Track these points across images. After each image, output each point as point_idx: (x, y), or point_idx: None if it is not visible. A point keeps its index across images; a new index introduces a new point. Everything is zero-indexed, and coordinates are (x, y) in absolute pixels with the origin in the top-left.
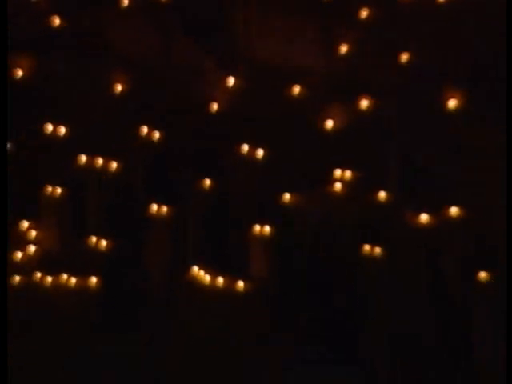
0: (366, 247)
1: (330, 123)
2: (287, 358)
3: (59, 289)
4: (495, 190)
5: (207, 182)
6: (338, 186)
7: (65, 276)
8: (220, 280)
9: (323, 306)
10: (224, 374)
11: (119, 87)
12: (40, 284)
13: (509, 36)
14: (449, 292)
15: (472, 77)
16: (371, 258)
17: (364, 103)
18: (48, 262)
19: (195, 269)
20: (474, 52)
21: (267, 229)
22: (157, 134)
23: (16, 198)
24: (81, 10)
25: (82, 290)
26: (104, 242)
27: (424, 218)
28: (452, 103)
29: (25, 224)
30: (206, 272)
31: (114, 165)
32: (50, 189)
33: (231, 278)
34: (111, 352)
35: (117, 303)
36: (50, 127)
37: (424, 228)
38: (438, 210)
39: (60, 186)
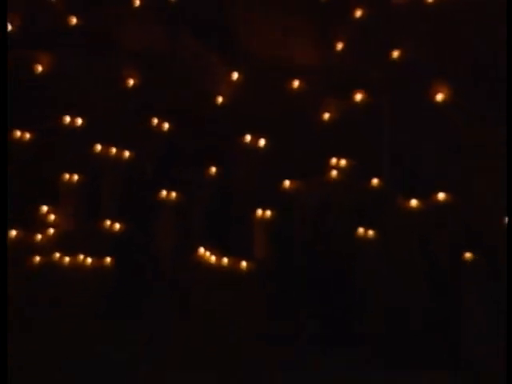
0: (360, 230)
1: (326, 116)
2: (288, 329)
3: (76, 268)
4: (479, 178)
5: (213, 170)
6: (333, 173)
7: (81, 256)
8: (225, 260)
9: (320, 284)
10: (229, 345)
11: (131, 82)
12: (58, 263)
13: (509, 36)
14: (438, 270)
15: (462, 72)
16: (365, 240)
17: (358, 97)
18: (65, 243)
19: (201, 250)
20: (465, 49)
21: (268, 213)
22: (166, 126)
23: (36, 184)
24: (94, 10)
25: (97, 269)
26: (117, 225)
27: (414, 203)
28: (440, 97)
29: (44, 208)
30: (211, 253)
31: (126, 154)
32: (67, 176)
33: (235, 259)
34: (124, 326)
35: (129, 281)
36: (67, 119)
37: (414, 212)
38: (426, 196)
39: (77, 173)
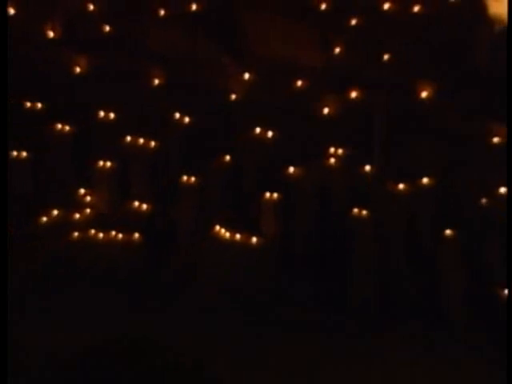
0: (355, 210)
1: (325, 110)
2: (289, 291)
3: (108, 242)
4: (458, 165)
5: (227, 157)
6: (332, 160)
7: (113, 232)
8: (237, 236)
9: (319, 255)
10: (240, 304)
11: (156, 81)
12: (93, 239)
13: (509, 36)
14: (421, 243)
15: (445, 72)
16: (359, 219)
17: (353, 94)
18: (100, 221)
19: (217, 227)
20: (446, 52)
21: (275, 195)
22: (186, 119)
23: (74, 170)
24: (124, 20)
25: (127, 243)
26: (144, 206)
27: (401, 186)
28: (425, 94)
29: (81, 191)
30: (226, 230)
31: (152, 144)
32: (101, 163)
33: (246, 235)
34: (150, 289)
35: (154, 254)
36: (101, 113)
37: (401, 194)
38: (412, 181)
39: (109, 160)
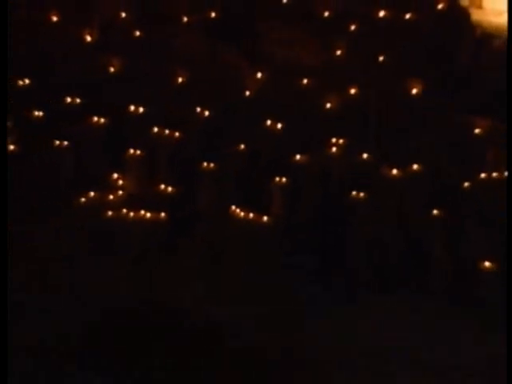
0: (354, 192)
1: (328, 105)
2: (295, 264)
3: (138, 220)
4: (445, 153)
5: (241, 146)
6: (333, 149)
7: (142, 212)
8: (250, 215)
9: (322, 233)
10: (254, 275)
11: (180, 79)
12: (125, 217)
13: (509, 37)
14: (410, 223)
15: (432, 72)
16: (357, 200)
17: (352, 91)
18: (130, 201)
19: (233, 208)
20: (434, 54)
21: (284, 179)
22: (206, 113)
23: (108, 157)
24: (153, 24)
25: (154, 221)
26: (169, 188)
27: (394, 172)
28: (414, 91)
29: (115, 175)
30: (240, 210)
31: (176, 134)
32: (132, 151)
33: (258, 215)
34: (177, 261)
35: (178, 230)
36: (132, 107)
37: (395, 179)
38: (404, 167)
39: (139, 148)
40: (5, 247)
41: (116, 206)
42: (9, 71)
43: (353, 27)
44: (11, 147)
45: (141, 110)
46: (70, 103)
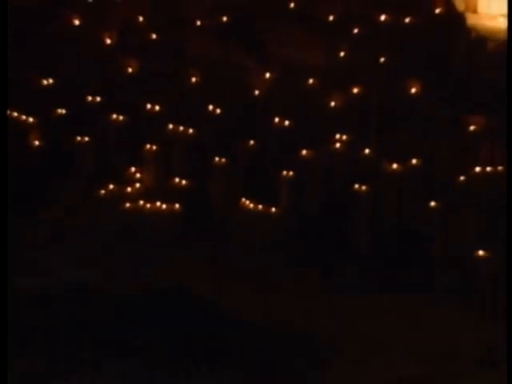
0: (356, 185)
1: (332, 103)
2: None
3: (154, 211)
4: (442, 149)
5: (251, 142)
6: (337, 145)
7: (158, 203)
8: (259, 207)
9: (326, 224)
10: (262, 259)
11: (193, 79)
12: (142, 208)
13: (509, 37)
14: (409, 214)
15: (430, 72)
16: (359, 192)
17: (355, 90)
18: (147, 194)
19: (243, 200)
20: (432, 56)
21: (291, 173)
22: (218, 110)
23: (126, 152)
24: (168, 28)
25: (169, 212)
26: (183, 181)
27: (394, 166)
28: (413, 90)
29: (132, 169)
30: (250, 202)
31: (190, 130)
32: (148, 146)
33: (267, 206)
34: (189, 252)
35: (192, 220)
36: (148, 105)
37: (394, 173)
38: (403, 162)
39: (155, 144)
40: (5, 246)
41: (133, 197)
42: (31, 71)
43: (355, 30)
44: (36, 143)
45: (157, 108)
46: (90, 102)
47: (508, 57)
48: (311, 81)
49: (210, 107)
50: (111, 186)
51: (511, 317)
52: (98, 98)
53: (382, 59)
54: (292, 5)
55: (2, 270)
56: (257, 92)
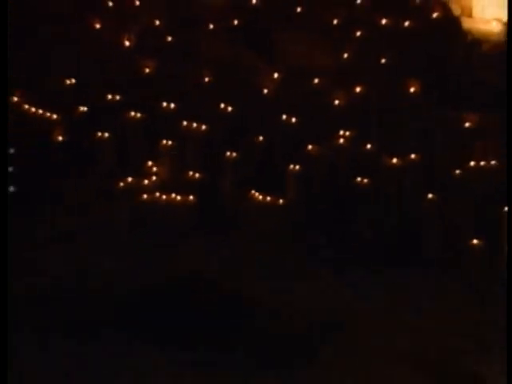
0: (358, 178)
1: (336, 101)
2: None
3: (170, 203)
4: (438, 144)
5: (260, 137)
6: (341, 140)
7: (173, 195)
8: (268, 198)
9: (330, 214)
10: (270, 248)
11: (206, 79)
12: (158, 200)
13: (509, 37)
14: (408, 205)
15: (428, 73)
16: (362, 185)
17: (357, 89)
18: (163, 186)
19: (253, 191)
20: (430, 57)
21: (297, 167)
22: (229, 108)
23: (144, 147)
24: (183, 31)
25: (184, 203)
26: (197, 174)
27: (394, 160)
28: (412, 89)
29: (149, 163)
30: (259, 193)
31: (203, 127)
32: (164, 141)
33: (275, 198)
34: (201, 241)
35: (205, 211)
36: (164, 104)
37: (394, 167)
38: (403, 156)
39: (175, 140)
40: (5, 246)
41: (150, 189)
42: (55, 72)
43: (358, 33)
44: (59, 138)
45: (172, 106)
46: (110, 100)
47: (508, 57)
48: (316, 81)
49: (222, 105)
50: (129, 179)
51: (511, 316)
52: (118, 97)
53: (383, 60)
54: (299, 9)
55: (2, 269)
56: (266, 91)
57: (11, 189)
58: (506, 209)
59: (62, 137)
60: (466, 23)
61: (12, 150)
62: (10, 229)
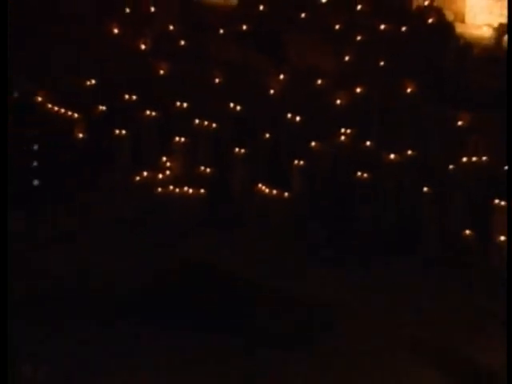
0: (359, 173)
1: (338, 101)
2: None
3: (182, 195)
4: (434, 141)
5: (267, 134)
6: (342, 137)
7: (185, 188)
8: (274, 191)
9: (332, 207)
10: (275, 239)
11: (217, 80)
12: (171, 193)
13: (509, 37)
14: (405, 198)
15: (425, 74)
16: (362, 180)
17: (358, 89)
18: (176, 180)
19: (260, 185)
20: (427, 59)
21: (302, 162)
22: (238, 107)
23: (158, 143)
24: (195, 35)
25: (195, 195)
26: (208, 169)
27: (392, 156)
28: (409, 90)
29: (163, 158)
30: (266, 187)
31: (213, 125)
32: (177, 138)
33: (281, 191)
34: (213, 233)
35: (215, 204)
36: (177, 103)
37: (393, 162)
38: (400, 152)
39: (183, 136)
40: (5, 245)
41: (164, 183)
42: (77, 73)
43: (359, 37)
44: (80, 135)
45: (185, 105)
46: (127, 99)
47: (508, 57)
48: (320, 82)
49: (231, 104)
50: (145, 173)
51: (511, 316)
52: (134, 97)
53: (382, 63)
54: (303, 15)
55: (2, 269)
56: (272, 91)
57: (35, 182)
58: (497, 201)
59: (83, 134)
60: (459, 28)
61: (36, 147)
62: (35, 221)
